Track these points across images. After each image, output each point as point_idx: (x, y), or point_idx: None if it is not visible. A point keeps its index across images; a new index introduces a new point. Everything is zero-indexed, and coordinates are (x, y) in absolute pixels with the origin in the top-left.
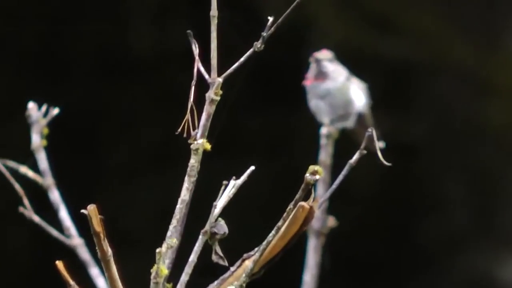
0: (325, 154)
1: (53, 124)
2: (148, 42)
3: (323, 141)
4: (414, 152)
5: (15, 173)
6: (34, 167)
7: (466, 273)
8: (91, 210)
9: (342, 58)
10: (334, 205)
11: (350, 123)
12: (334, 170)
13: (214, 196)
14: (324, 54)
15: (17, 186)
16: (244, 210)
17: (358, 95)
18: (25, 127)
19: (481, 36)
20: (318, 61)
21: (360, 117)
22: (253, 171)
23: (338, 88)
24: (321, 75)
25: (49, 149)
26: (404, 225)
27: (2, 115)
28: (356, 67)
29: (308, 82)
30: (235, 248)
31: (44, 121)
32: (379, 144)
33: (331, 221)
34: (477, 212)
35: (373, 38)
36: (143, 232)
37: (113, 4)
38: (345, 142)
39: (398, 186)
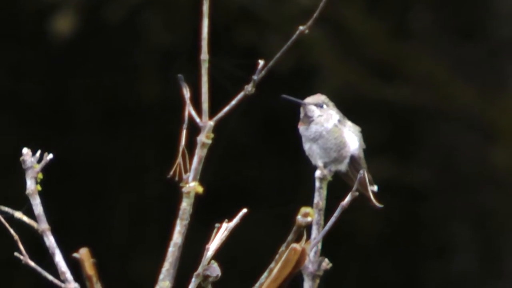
0: (319, 197)
1: (52, 170)
2: (152, 91)
3: (317, 184)
4: (419, 196)
5: (11, 219)
6: (31, 212)
7: None
8: (83, 253)
9: (345, 103)
10: (339, 248)
11: (343, 166)
12: (329, 213)
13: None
14: (314, 98)
15: (12, 231)
16: (237, 253)
17: (351, 138)
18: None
19: (485, 80)
20: (304, 105)
21: (354, 160)
22: (245, 215)
23: (329, 131)
24: (307, 119)
25: (47, 195)
26: (409, 269)
27: (7, 165)
28: (360, 112)
29: (298, 126)
30: None
31: (38, 167)
32: (372, 187)
33: (326, 263)
34: (483, 256)
35: (377, 83)
36: (139, 275)
37: (117, 56)
38: (340, 185)
39: (403, 230)
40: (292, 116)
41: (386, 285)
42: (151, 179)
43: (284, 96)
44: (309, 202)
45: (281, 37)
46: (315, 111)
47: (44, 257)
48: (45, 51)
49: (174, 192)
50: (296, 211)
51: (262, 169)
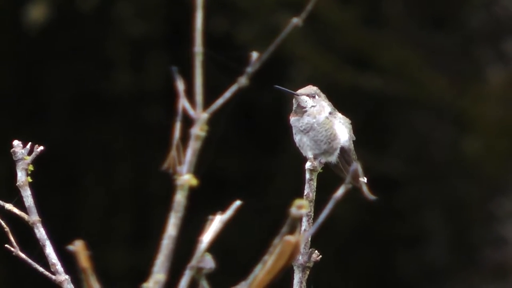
0: (310, 188)
1: (37, 162)
2: (126, 81)
3: (307, 175)
4: (393, 185)
5: (1, 211)
6: (20, 204)
7: None
8: (78, 246)
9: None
10: (316, 237)
11: (334, 157)
12: (318, 205)
13: (200, 232)
14: (306, 89)
15: (2, 223)
16: (231, 245)
17: (341, 130)
18: (10, 166)
19: (457, 69)
20: (297, 96)
21: (344, 152)
22: (239, 206)
23: (320, 123)
24: (300, 109)
25: (35, 187)
26: (384, 257)
27: None
28: (333, 101)
29: (290, 117)
30: (221, 282)
31: (28, 159)
32: (362, 179)
33: (316, 255)
34: (455, 244)
35: (350, 72)
36: (129, 267)
37: (92, 44)
38: (329, 176)
39: (377, 219)
40: (267, 107)
41: (362, 273)
42: (122, 167)
43: (277, 86)
44: (287, 194)
45: (256, 26)
46: (308, 102)
47: (35, 248)
48: (18, 39)
49: (145, 181)
50: (285, 203)
51: (237, 161)
